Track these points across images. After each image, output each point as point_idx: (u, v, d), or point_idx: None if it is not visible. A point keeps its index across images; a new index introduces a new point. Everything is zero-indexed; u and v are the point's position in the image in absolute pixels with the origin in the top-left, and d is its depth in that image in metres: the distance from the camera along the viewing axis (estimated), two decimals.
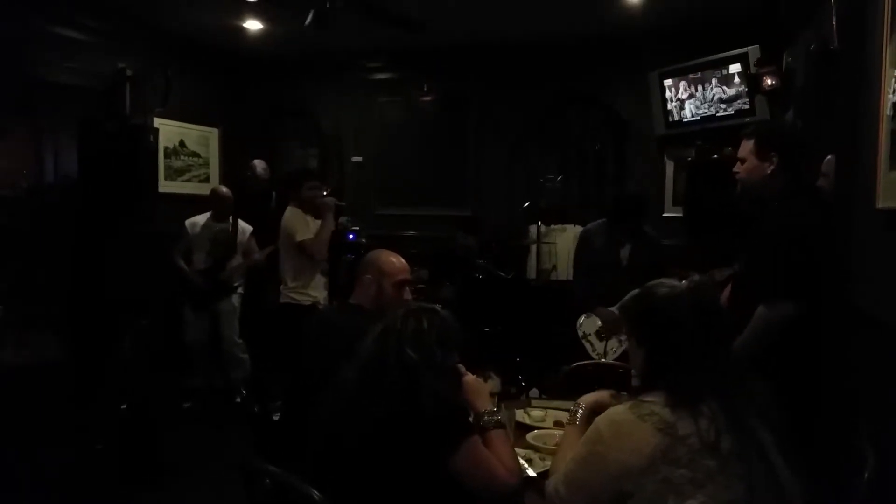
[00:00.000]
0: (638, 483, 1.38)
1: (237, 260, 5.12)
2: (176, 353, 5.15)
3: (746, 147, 2.56)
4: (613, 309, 3.89)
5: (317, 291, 4.36)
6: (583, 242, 4.19)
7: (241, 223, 5.16)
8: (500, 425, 1.80)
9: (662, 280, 1.60)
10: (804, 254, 2.34)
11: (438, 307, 1.88)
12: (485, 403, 1.85)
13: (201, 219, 5.18)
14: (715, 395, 1.42)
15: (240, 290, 5.19)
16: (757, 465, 1.37)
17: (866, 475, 1.67)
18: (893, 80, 1.80)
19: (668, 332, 1.51)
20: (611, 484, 1.42)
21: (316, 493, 1.60)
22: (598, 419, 1.52)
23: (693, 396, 1.42)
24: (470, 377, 1.91)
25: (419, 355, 1.69)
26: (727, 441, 1.36)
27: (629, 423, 1.43)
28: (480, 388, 1.89)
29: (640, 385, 1.59)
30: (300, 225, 4.29)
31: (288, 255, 4.33)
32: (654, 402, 1.44)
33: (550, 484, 1.57)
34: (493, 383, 2.41)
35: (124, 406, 3.99)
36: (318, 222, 4.36)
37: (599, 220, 4.18)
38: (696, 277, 1.58)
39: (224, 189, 5.24)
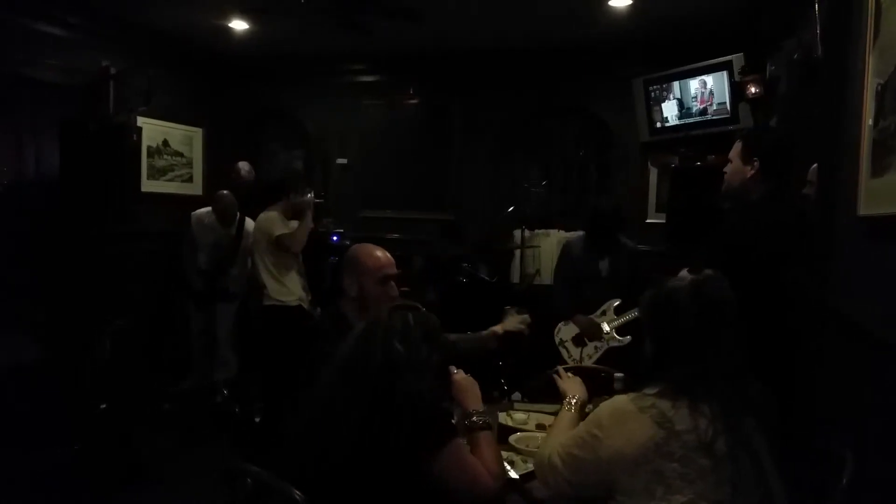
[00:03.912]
0: (630, 472, 1.40)
1: (238, 267, 5.02)
2: (164, 352, 5.11)
3: (735, 148, 2.62)
4: (594, 316, 3.97)
5: (298, 290, 4.36)
6: (564, 254, 4.27)
7: (248, 223, 4.96)
8: (487, 426, 1.79)
9: (682, 274, 1.60)
10: (745, 254, 2.40)
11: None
12: (474, 403, 1.84)
13: (206, 215, 5.13)
14: (715, 393, 1.44)
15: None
16: (747, 469, 1.38)
17: (845, 479, 1.68)
18: (876, 88, 1.82)
19: (668, 322, 1.54)
20: (601, 468, 1.45)
21: (298, 494, 1.58)
22: (602, 405, 1.55)
23: (692, 389, 1.44)
24: (460, 375, 1.89)
25: (407, 350, 1.66)
26: (722, 442, 1.38)
27: (629, 413, 1.45)
28: (470, 388, 1.87)
29: (644, 376, 1.60)
30: (278, 224, 4.29)
31: (263, 257, 4.32)
32: (656, 395, 1.46)
33: (545, 452, 1.60)
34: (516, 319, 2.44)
35: (103, 406, 3.94)
36: (296, 223, 4.37)
37: (579, 233, 4.25)
38: (708, 272, 1.58)
39: (227, 193, 5.12)
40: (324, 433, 1.68)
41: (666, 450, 1.37)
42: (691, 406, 1.41)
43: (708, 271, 1.58)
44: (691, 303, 1.51)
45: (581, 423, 1.59)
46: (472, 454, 1.70)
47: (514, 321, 2.72)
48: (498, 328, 2.79)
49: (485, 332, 2.79)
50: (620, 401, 1.51)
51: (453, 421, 1.80)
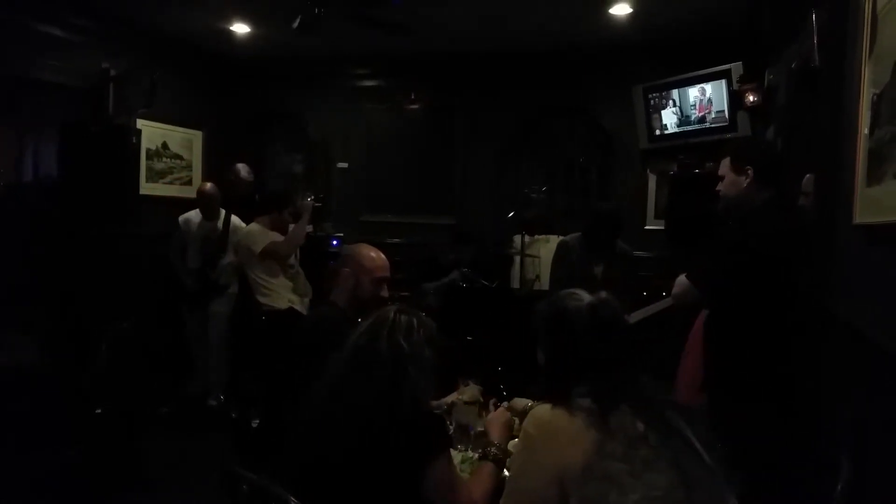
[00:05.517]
0: (579, 481, 1.37)
1: (228, 258, 5.07)
2: (165, 355, 5.12)
3: (725, 164, 2.64)
4: None
5: (288, 294, 4.47)
6: (559, 254, 4.26)
7: (235, 220, 5.11)
8: (497, 461, 1.85)
9: (572, 291, 1.63)
10: (747, 260, 2.41)
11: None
12: (500, 436, 1.93)
13: (195, 216, 5.16)
14: (627, 395, 1.45)
15: (231, 290, 5.11)
16: (683, 450, 1.38)
17: (840, 485, 1.69)
18: (872, 98, 1.83)
19: (567, 340, 1.55)
20: (553, 486, 1.40)
21: (294, 501, 1.59)
22: (525, 424, 1.53)
23: (604, 397, 1.44)
24: (501, 411, 2.07)
25: (409, 347, 1.72)
26: (653, 433, 1.39)
27: (559, 418, 1.43)
28: (505, 423, 2.00)
29: (543, 387, 1.62)
30: (260, 238, 4.45)
31: (248, 269, 4.53)
32: (580, 399, 1.45)
33: None
34: (472, 391, 2.42)
35: (99, 410, 3.95)
36: (282, 238, 4.52)
37: (576, 234, 4.25)
38: (603, 294, 1.62)
39: (209, 186, 5.17)
40: (327, 426, 1.71)
41: (608, 449, 1.36)
42: (611, 409, 1.42)
43: (603, 293, 1.61)
44: (589, 322, 1.54)
45: (514, 456, 1.57)
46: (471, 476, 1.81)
47: (470, 392, 2.69)
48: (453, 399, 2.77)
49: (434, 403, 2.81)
50: (545, 410, 1.49)
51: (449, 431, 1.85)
